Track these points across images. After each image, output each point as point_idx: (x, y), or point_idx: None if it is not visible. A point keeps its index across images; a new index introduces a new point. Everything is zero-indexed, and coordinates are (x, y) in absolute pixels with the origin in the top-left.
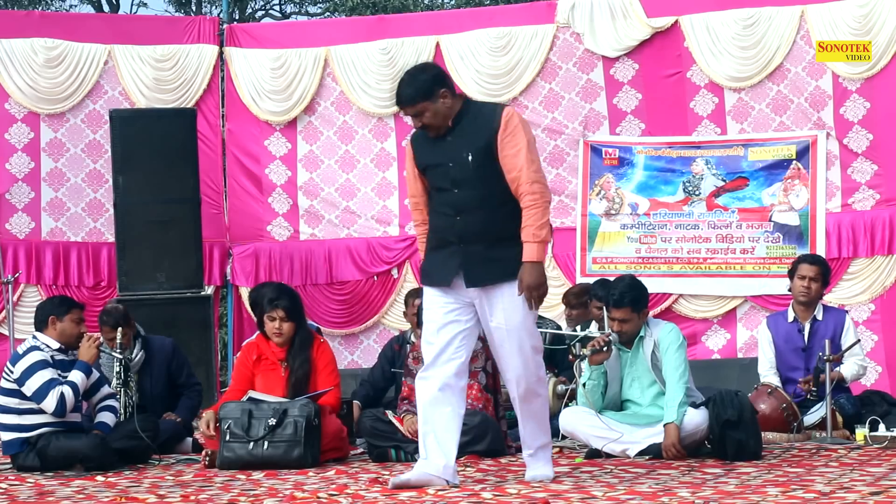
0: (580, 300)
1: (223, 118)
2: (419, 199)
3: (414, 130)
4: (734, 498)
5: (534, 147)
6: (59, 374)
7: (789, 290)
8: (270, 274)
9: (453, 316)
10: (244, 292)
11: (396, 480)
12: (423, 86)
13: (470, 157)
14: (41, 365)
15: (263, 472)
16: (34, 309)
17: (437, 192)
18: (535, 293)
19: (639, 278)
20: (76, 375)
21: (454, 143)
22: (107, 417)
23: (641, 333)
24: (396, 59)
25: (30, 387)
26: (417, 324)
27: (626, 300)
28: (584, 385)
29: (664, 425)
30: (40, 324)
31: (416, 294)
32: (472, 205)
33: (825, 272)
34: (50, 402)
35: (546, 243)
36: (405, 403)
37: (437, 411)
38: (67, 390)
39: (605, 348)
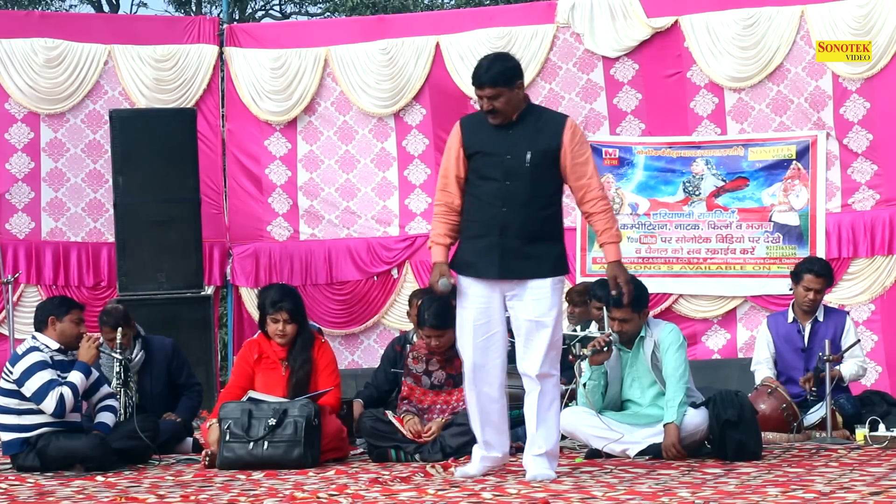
0: (583, 298)
1: (223, 118)
2: (451, 181)
3: (466, 115)
4: (734, 498)
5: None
6: (59, 375)
7: (790, 289)
8: (270, 274)
9: (488, 305)
10: (244, 292)
11: (462, 472)
12: (506, 72)
13: (529, 155)
14: (41, 366)
15: (263, 472)
16: (34, 309)
17: (483, 180)
18: (629, 287)
19: (639, 278)
20: (75, 376)
21: (515, 137)
22: (107, 417)
23: (642, 334)
24: (396, 59)
25: (29, 387)
26: (418, 324)
27: (627, 300)
28: (584, 385)
29: (664, 425)
30: (40, 324)
31: (419, 294)
32: (519, 200)
33: (830, 283)
34: (49, 403)
35: (620, 241)
36: (405, 403)
37: (491, 403)
38: (67, 391)
39: (605, 348)
